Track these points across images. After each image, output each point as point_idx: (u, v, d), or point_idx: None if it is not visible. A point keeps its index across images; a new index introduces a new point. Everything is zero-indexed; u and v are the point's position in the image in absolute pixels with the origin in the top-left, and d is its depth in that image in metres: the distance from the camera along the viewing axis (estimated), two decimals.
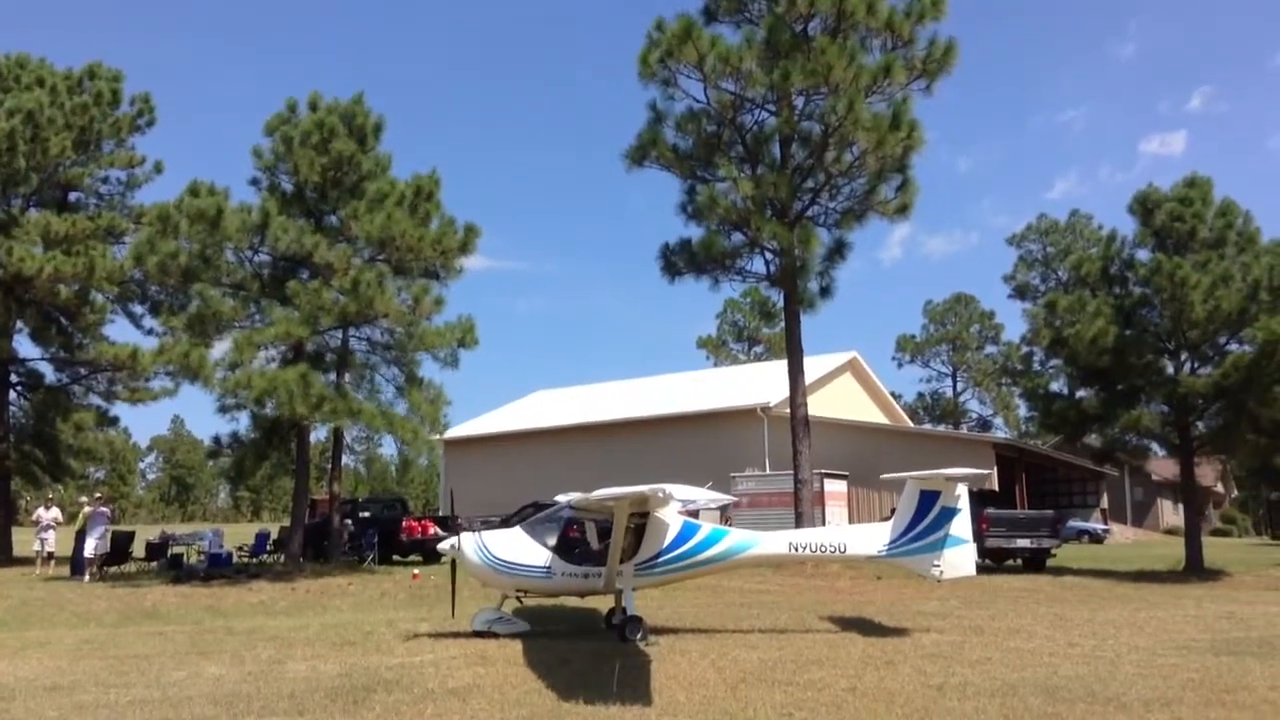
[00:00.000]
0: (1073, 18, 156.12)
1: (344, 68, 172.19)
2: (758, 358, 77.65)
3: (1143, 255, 25.89)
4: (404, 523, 29.50)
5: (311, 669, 11.30)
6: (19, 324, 31.76)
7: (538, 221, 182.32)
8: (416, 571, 23.36)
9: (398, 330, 24.63)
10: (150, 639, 14.42)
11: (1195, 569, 24.76)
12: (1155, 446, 28.16)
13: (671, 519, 13.85)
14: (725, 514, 29.34)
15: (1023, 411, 77.84)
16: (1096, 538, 43.09)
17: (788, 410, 26.94)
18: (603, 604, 15.20)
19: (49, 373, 33.76)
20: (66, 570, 25.25)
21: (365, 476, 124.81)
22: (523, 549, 13.71)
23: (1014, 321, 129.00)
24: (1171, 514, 56.30)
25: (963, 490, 14.00)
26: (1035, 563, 25.58)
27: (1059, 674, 10.50)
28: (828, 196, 25.78)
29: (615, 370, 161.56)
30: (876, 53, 24.54)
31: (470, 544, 13.78)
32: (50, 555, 26.62)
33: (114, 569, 24.64)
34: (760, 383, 42.98)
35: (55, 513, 27.58)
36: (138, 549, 26.23)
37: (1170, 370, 25.24)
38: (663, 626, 14.28)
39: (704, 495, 15.00)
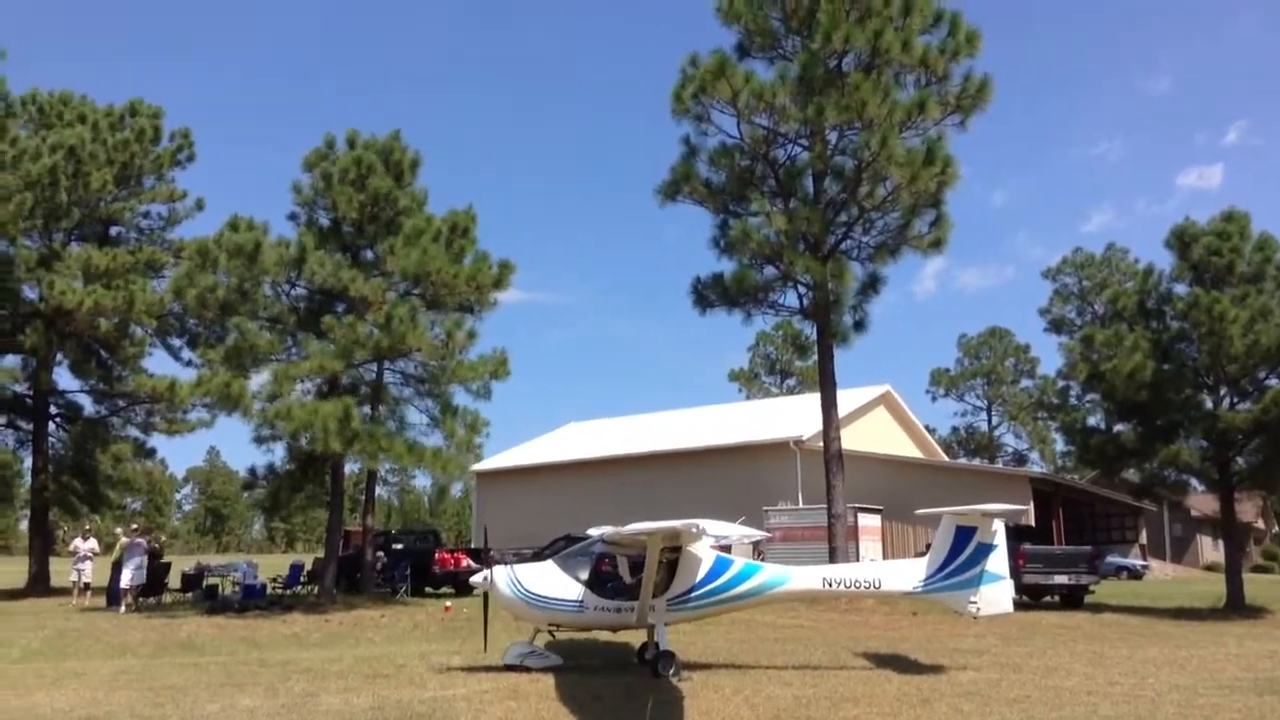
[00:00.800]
0: (1107, 50, 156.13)
1: (380, 102, 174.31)
2: (790, 391, 77.38)
3: (1180, 289, 25.64)
4: (436, 555, 29.53)
5: (344, 702, 11.32)
6: (59, 356, 32.24)
7: (570, 253, 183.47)
8: (449, 604, 23.36)
9: (431, 364, 24.79)
10: (185, 670, 14.50)
11: (1236, 606, 24.34)
12: (1194, 482, 27.76)
13: (704, 554, 13.80)
14: (758, 549, 29.18)
15: (1059, 446, 77.14)
16: (1135, 574, 42.44)
17: (821, 444, 26.82)
18: (635, 639, 15.15)
19: (88, 405, 34.26)
20: (103, 601, 25.46)
21: (398, 508, 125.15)
22: (555, 582, 13.70)
23: (1050, 355, 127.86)
24: (1211, 550, 55.39)
25: (999, 526, 13.87)
26: (1073, 599, 25.24)
27: (1098, 713, 10.35)
28: (861, 231, 25.77)
29: (647, 403, 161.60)
30: (911, 88, 24.55)
31: (503, 577, 13.79)
32: (87, 586, 26.84)
33: (150, 600, 24.82)
34: (793, 416, 42.82)
35: (92, 543, 27.84)
36: (173, 579, 26.41)
37: (1209, 405, 24.93)
38: (695, 662, 14.20)
39: (737, 530, 14.97)
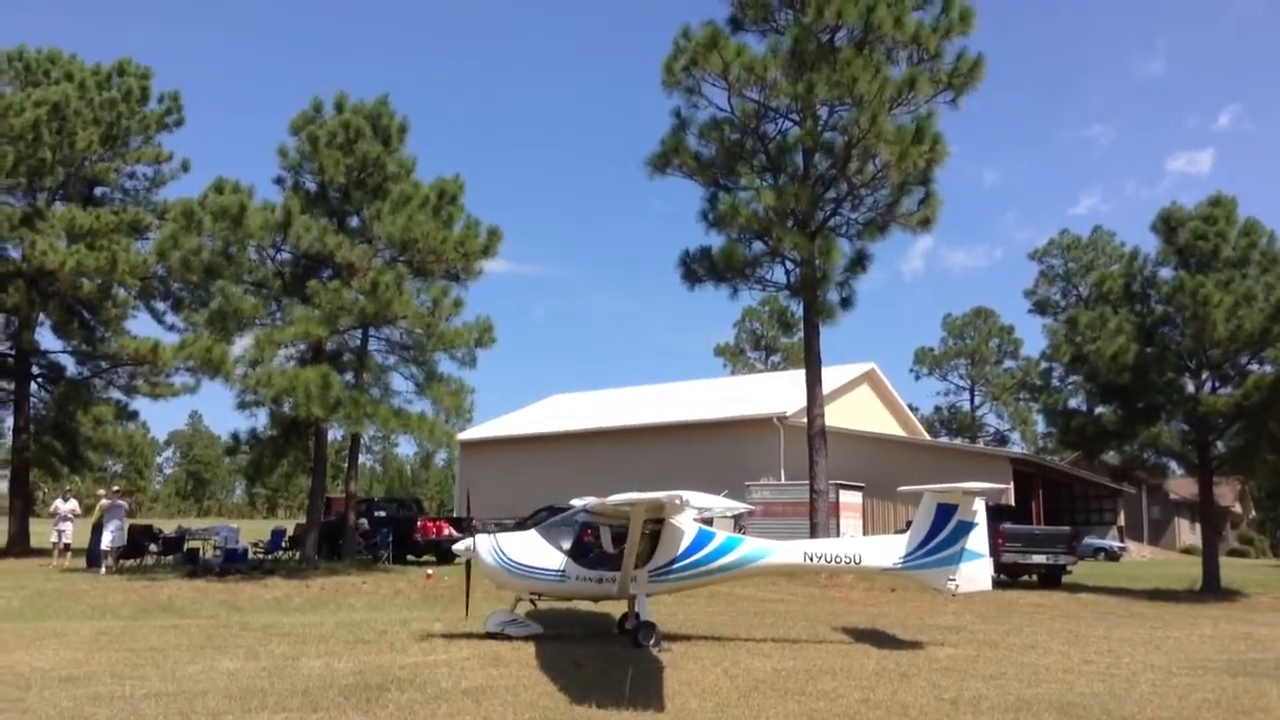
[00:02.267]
0: (1101, 33, 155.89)
1: (368, 70, 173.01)
2: (775, 367, 77.50)
3: (1165, 273, 25.78)
4: (419, 523, 29.56)
5: (325, 666, 11.35)
6: (41, 317, 32.02)
7: (558, 226, 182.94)
8: (430, 571, 23.40)
9: (416, 331, 24.69)
10: (166, 632, 14.51)
11: (1212, 589, 24.60)
12: (1174, 465, 27.98)
13: (686, 526, 13.85)
14: (740, 523, 29.29)
15: (1041, 427, 77.54)
16: (1113, 555, 42.85)
17: (804, 420, 26.89)
18: (615, 609, 15.22)
19: (70, 365, 34.07)
20: (83, 562, 25.42)
21: (381, 476, 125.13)
22: (537, 552, 13.74)
23: (1034, 337, 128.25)
24: (1189, 533, 55.94)
25: (979, 504, 13.96)
26: (1051, 579, 25.45)
27: (1074, 691, 10.45)
28: (849, 207, 25.76)
29: (632, 376, 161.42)
30: (902, 65, 24.45)
31: (485, 546, 13.83)
32: (67, 547, 26.77)
33: (130, 562, 24.79)
34: (777, 392, 42.90)
35: (72, 504, 27.73)
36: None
37: (1191, 389, 25.10)
38: (676, 633, 14.28)
39: (719, 503, 14.99)
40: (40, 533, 31.33)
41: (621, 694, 9.51)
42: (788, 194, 24.38)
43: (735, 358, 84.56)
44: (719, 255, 25.66)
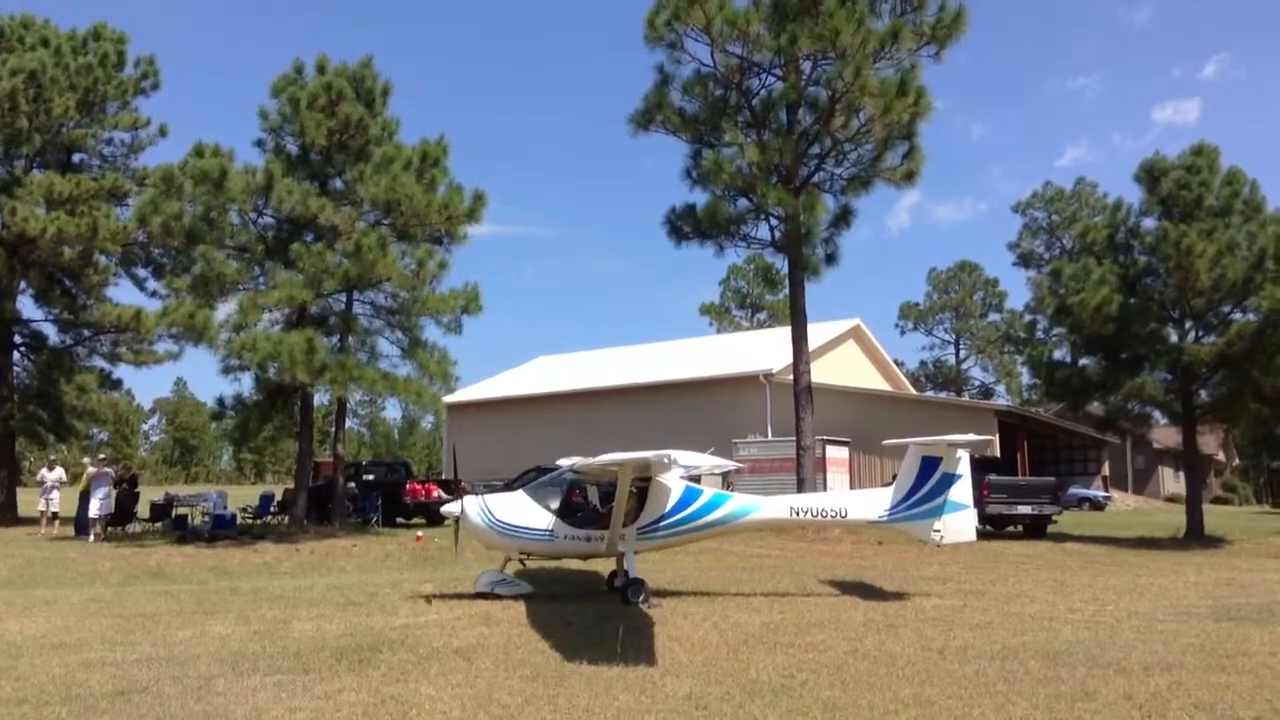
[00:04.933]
0: None
1: (349, 30, 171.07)
2: (761, 324, 77.57)
3: (1149, 223, 25.83)
4: (407, 485, 29.59)
5: (316, 629, 11.39)
6: (22, 285, 31.74)
7: (543, 187, 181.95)
8: (420, 534, 23.47)
9: (401, 295, 24.58)
10: (156, 598, 14.53)
11: (1196, 536, 24.86)
12: (1157, 415, 28.19)
13: (674, 484, 13.92)
14: (727, 480, 29.43)
15: (1025, 379, 78.15)
16: (1097, 505, 43.22)
17: (790, 377, 26.95)
18: (604, 567, 15.30)
19: (52, 334, 33.77)
20: (71, 530, 25.40)
21: (368, 440, 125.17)
22: (526, 512, 13.79)
23: (1018, 289, 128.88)
24: (1173, 482, 56.44)
25: (964, 456, 14.05)
26: (1036, 529, 25.68)
27: (1059, 638, 10.57)
28: (834, 163, 25.69)
29: (619, 336, 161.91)
30: (885, 18, 24.31)
31: (474, 507, 13.87)
32: (55, 515, 26.73)
33: (118, 529, 24.79)
34: (763, 349, 42.97)
35: (59, 473, 27.66)
36: (142, 510, 26.33)
37: (1174, 339, 25.25)
38: (665, 589, 14.38)
39: (707, 461, 15.05)
40: (28, 502, 31.26)
41: (613, 650, 9.58)
42: (772, 149, 24.28)
43: (721, 316, 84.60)
44: (703, 212, 25.60)
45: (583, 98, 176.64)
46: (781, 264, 27.44)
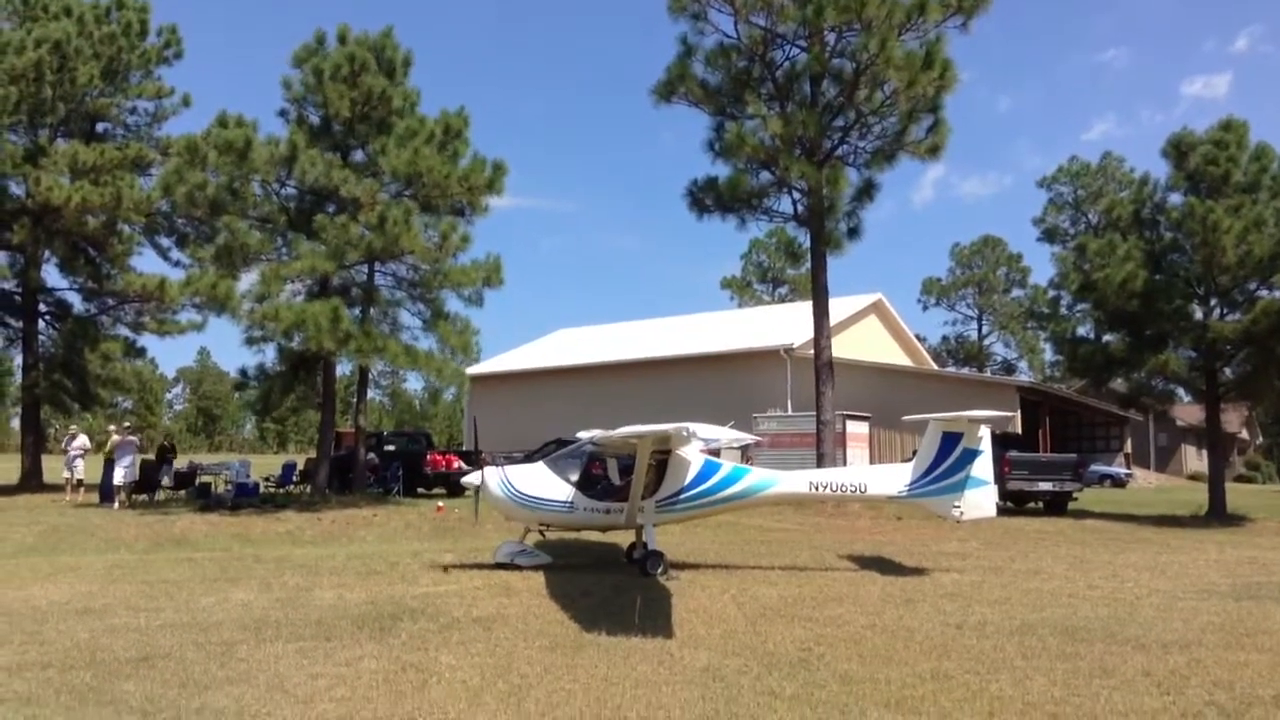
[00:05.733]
0: None
1: (371, 2, 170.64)
2: (782, 299, 77.41)
3: (1175, 199, 25.51)
4: (428, 456, 29.73)
5: (338, 597, 11.50)
6: (47, 254, 31.97)
7: (564, 159, 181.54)
8: (440, 504, 23.59)
9: (424, 267, 24.62)
10: (179, 565, 14.69)
11: (1218, 514, 24.72)
12: (1181, 392, 27.99)
13: (693, 457, 13.94)
14: (747, 454, 29.45)
15: (1048, 355, 77.63)
16: (1119, 482, 43.02)
17: (811, 352, 26.89)
18: (623, 539, 15.36)
19: (77, 303, 34.03)
20: (96, 497, 25.66)
21: (390, 410, 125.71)
22: (546, 484, 13.86)
23: (1042, 265, 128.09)
24: (1195, 459, 56.14)
25: (985, 432, 14.01)
26: (1057, 506, 25.58)
27: (1078, 615, 10.56)
28: (858, 136, 25.51)
29: (639, 310, 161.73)
30: None
31: (494, 478, 13.95)
32: (80, 482, 27.00)
33: (141, 497, 25.04)
34: (784, 324, 42.89)
35: (83, 440, 27.91)
36: (165, 477, 26.58)
37: (1199, 315, 25.01)
38: (683, 562, 14.43)
39: (726, 435, 15.05)
40: (53, 469, 31.59)
41: (631, 621, 9.64)
42: (795, 122, 24.14)
43: (743, 290, 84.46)
44: (725, 185, 25.48)
45: (603, 69, 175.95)
46: (804, 238, 27.24)
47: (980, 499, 13.92)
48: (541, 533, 14.68)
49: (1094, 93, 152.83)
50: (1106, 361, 26.06)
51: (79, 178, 29.32)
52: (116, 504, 23.84)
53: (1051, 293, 78.07)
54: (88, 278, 32.93)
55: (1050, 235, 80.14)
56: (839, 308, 34.89)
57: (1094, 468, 40.81)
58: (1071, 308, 60.91)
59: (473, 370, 41.90)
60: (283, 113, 25.03)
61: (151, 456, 28.21)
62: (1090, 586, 12.75)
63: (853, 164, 25.62)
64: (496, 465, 14.78)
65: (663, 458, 13.68)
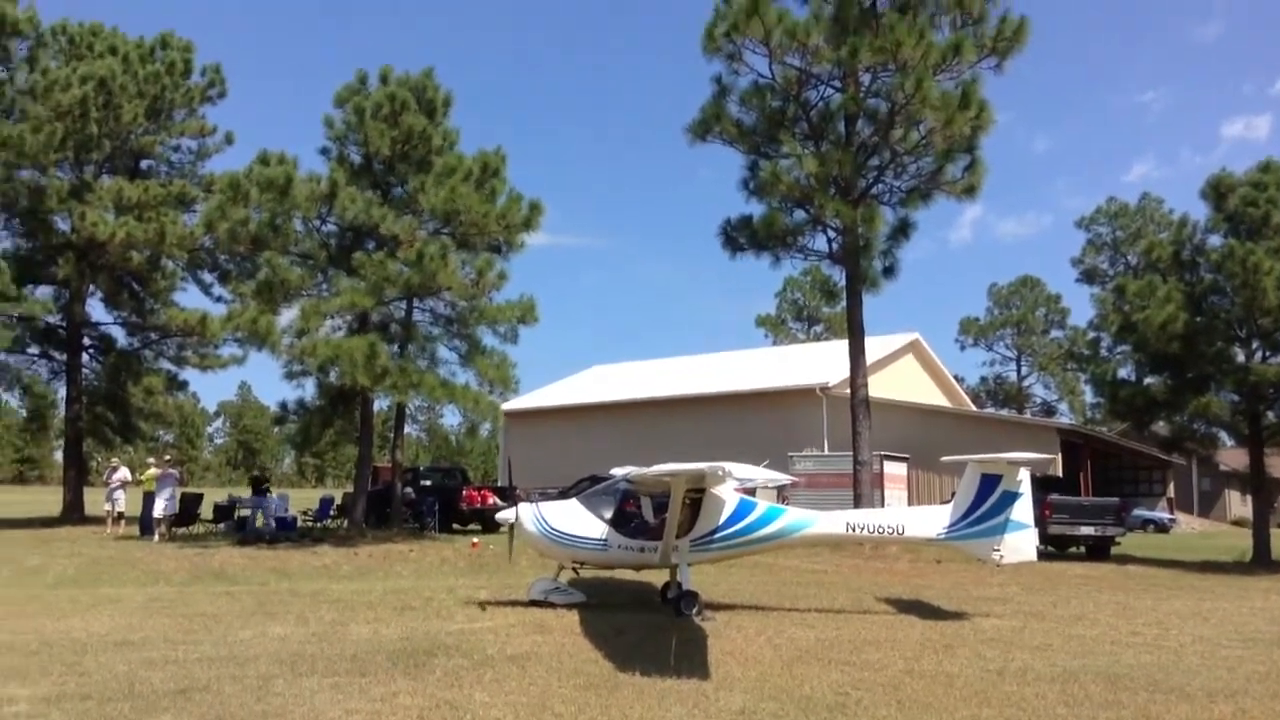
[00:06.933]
0: None
1: (410, 40, 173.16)
2: (817, 337, 77.12)
3: (1215, 241, 25.29)
4: (464, 492, 29.80)
5: (373, 632, 11.51)
6: (92, 288, 32.48)
7: (599, 198, 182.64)
8: (476, 540, 23.60)
9: (460, 303, 24.80)
10: (217, 598, 14.76)
11: (1262, 561, 24.28)
12: (1224, 436, 27.58)
13: (728, 496, 13.87)
14: (782, 493, 29.28)
15: (1089, 397, 76.69)
16: (1162, 527, 42.39)
17: (848, 390, 26.77)
18: (658, 578, 15.28)
19: (120, 337, 34.52)
20: (136, 530, 25.87)
21: (427, 445, 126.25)
22: (580, 521, 13.83)
23: (1081, 306, 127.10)
24: (1239, 505, 55.08)
25: (1025, 475, 13.85)
26: (1099, 550, 25.25)
27: (1121, 662, 10.38)
28: (893, 175, 25.54)
29: (673, 347, 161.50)
30: (946, 30, 24.17)
31: (528, 514, 13.95)
32: (121, 515, 27.23)
33: (182, 530, 25.22)
34: (820, 362, 42.70)
35: (124, 473, 28.18)
36: (205, 511, 26.79)
37: (1241, 358, 24.67)
38: (718, 603, 14.33)
39: (762, 474, 14.99)
40: (94, 501, 31.89)
41: (666, 661, 9.57)
42: (830, 161, 24.20)
43: (777, 328, 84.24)
44: (760, 223, 25.55)
45: (637, 107, 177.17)
46: (839, 276, 27.23)
47: (1021, 542, 13.73)
48: (575, 570, 14.64)
49: (1133, 134, 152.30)
50: (1148, 404, 25.77)
51: (123, 213, 29.80)
52: (156, 536, 24.04)
53: (1091, 334, 77.35)
54: (131, 312, 33.43)
55: (1089, 276, 79.49)
56: (875, 347, 34.74)
57: (1137, 512, 40.25)
58: (1112, 349, 60.40)
59: (508, 406, 42.05)
60: (324, 150, 25.43)
61: (192, 489, 28.38)
62: (1133, 633, 12.53)
63: (888, 203, 25.65)
64: (531, 501, 14.77)
65: (697, 496, 13.60)
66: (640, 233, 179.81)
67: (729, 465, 12.15)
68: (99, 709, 7.75)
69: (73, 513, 31.23)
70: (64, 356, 32.99)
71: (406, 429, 30.41)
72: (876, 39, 23.26)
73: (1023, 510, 13.72)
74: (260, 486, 26.64)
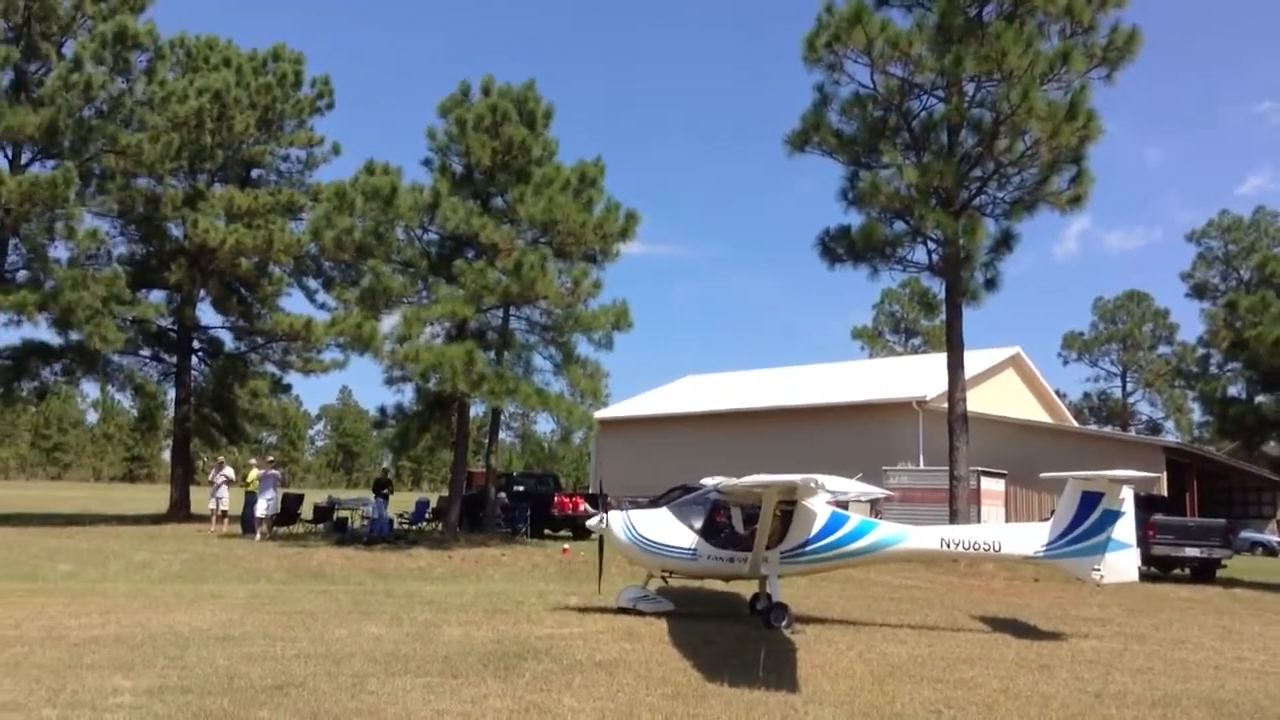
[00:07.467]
0: (1272, 4, 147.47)
1: (513, 53, 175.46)
2: (915, 350, 76.05)
3: None
4: (556, 498, 30.04)
5: (465, 634, 11.67)
6: (202, 293, 33.56)
7: (695, 207, 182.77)
8: (566, 546, 23.78)
9: (556, 311, 25.05)
10: (315, 597, 15.11)
11: None
12: None
13: (820, 508, 13.76)
14: (876, 508, 28.93)
15: (1197, 415, 74.15)
16: (1271, 550, 40.81)
17: (944, 404, 26.34)
18: (746, 589, 15.21)
19: (228, 340, 35.65)
20: (239, 528, 26.61)
21: (520, 451, 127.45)
22: (669, 530, 13.85)
23: (1190, 322, 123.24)
24: None
25: (1128, 493, 13.49)
26: (1204, 573, 24.41)
27: (1225, 688, 10.04)
28: (996, 186, 25.06)
29: (768, 358, 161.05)
30: (1054, 39, 23.69)
31: (618, 522, 14.01)
32: (224, 513, 28.03)
33: (282, 529, 25.86)
34: (917, 375, 42.08)
35: (229, 472, 28.99)
36: (305, 511, 27.44)
37: None
38: (809, 616, 14.21)
39: (855, 487, 14.83)
40: (200, 500, 32.87)
41: (754, 673, 9.53)
42: (932, 171, 23.86)
43: (874, 340, 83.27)
44: (858, 234, 25.27)
45: (737, 118, 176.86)
46: (939, 288, 26.81)
47: (1122, 562, 13.37)
48: (665, 579, 14.66)
49: (1248, 146, 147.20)
50: (1259, 423, 24.92)
51: (234, 221, 30.78)
52: (258, 535, 24.69)
53: (1201, 350, 74.97)
54: (239, 316, 34.48)
55: (1199, 291, 77.01)
56: (975, 360, 34.13)
57: (1244, 534, 38.83)
58: (1222, 366, 58.50)
59: (601, 414, 42.26)
60: (427, 161, 25.96)
61: (293, 490, 29.08)
62: (1239, 659, 12.11)
63: (990, 214, 25.16)
64: (622, 509, 14.84)
65: (789, 508, 13.54)
66: (735, 243, 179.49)
67: (821, 477, 12.07)
68: (199, 702, 7.98)
69: (179, 510, 32.26)
70: (174, 359, 34.17)
71: (501, 435, 30.73)
72: (982, 48, 22.87)
73: (1125, 529, 13.37)
74: (382, 490, 27.07)
